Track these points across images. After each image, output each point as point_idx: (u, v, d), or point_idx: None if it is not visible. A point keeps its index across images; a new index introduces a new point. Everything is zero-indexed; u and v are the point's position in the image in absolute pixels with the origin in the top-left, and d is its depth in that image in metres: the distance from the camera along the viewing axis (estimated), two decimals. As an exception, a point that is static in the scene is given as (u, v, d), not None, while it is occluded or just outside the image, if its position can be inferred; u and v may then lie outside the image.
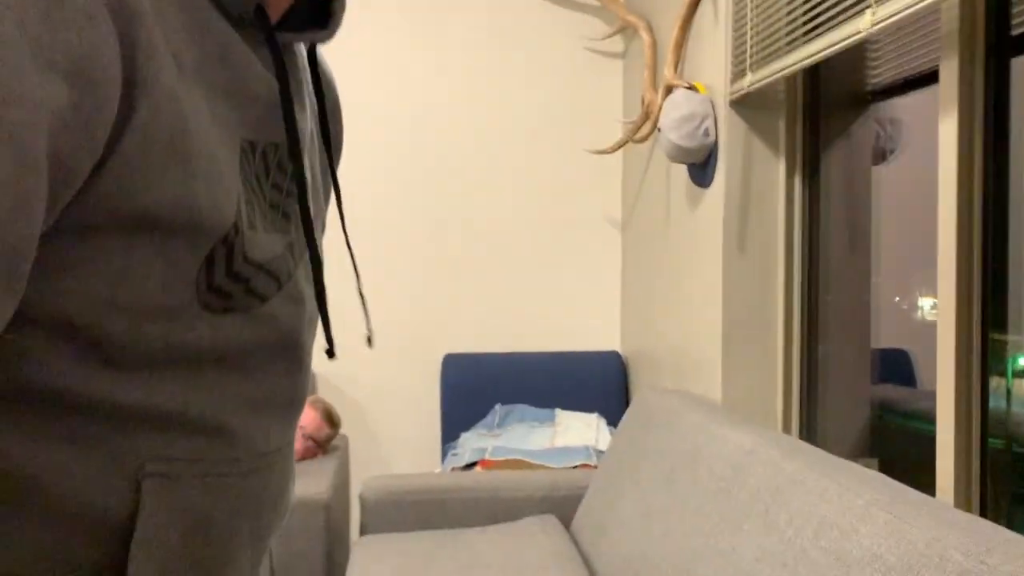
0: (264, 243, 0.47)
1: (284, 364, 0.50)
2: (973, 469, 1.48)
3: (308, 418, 2.54)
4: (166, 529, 0.43)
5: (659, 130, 2.19)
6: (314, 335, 0.55)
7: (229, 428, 0.46)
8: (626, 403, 2.98)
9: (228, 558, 0.48)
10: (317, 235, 0.55)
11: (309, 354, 0.54)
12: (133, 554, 0.42)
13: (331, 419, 2.60)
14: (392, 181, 3.03)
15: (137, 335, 0.41)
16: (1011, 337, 1.53)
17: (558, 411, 2.86)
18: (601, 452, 2.58)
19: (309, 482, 2.25)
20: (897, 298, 2.07)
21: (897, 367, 2.21)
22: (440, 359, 3.00)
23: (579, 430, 2.74)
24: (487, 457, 2.57)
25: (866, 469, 1.33)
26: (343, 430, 2.85)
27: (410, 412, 3.06)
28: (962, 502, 1.48)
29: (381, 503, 2.26)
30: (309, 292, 0.53)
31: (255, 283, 0.46)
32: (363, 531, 2.27)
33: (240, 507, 0.48)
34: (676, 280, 2.48)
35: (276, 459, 0.51)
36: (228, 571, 0.48)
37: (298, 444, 2.50)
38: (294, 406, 0.52)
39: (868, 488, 1.17)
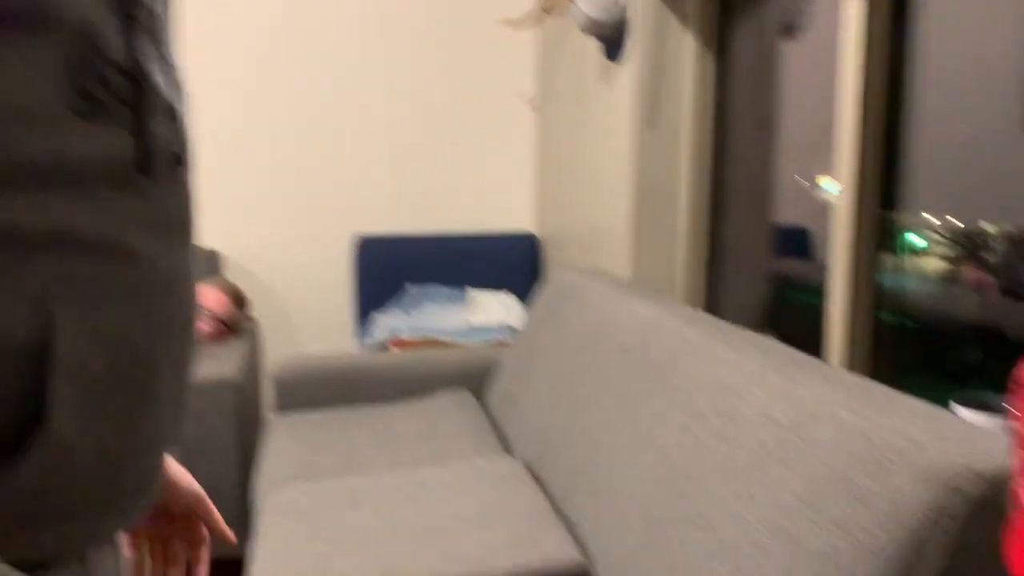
0: (125, 47, 0.45)
1: (173, 185, 0.49)
2: (862, 340, 1.57)
3: (214, 299, 2.50)
4: (87, 354, 0.43)
5: (572, 1, 2.14)
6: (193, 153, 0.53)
7: (130, 249, 0.45)
8: (539, 282, 3.02)
9: (152, 388, 0.47)
10: (170, 45, 0.52)
11: (193, 174, 0.53)
12: (52, 383, 0.41)
13: (238, 300, 2.56)
14: (302, 57, 2.90)
15: (8, 144, 0.39)
16: (903, 216, 1.60)
17: (471, 290, 2.88)
18: (514, 330, 2.63)
19: (218, 364, 2.23)
20: (798, 176, 2.12)
21: (796, 243, 2.29)
22: (351, 240, 2.96)
23: (493, 309, 2.77)
24: (401, 336, 2.59)
25: (761, 336, 1.39)
26: (253, 313, 2.81)
27: (321, 294, 3.03)
28: (852, 369, 1.57)
29: (294, 383, 2.26)
30: (181, 108, 0.51)
31: (123, 89, 0.44)
32: (277, 410, 2.28)
33: (156, 331, 0.47)
34: (588, 158, 2.48)
35: (180, 285, 0.50)
36: (152, 407, 0.47)
37: (206, 327, 2.46)
38: (186, 229, 0.51)
39: (762, 353, 1.23)
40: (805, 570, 0.90)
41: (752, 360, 1.21)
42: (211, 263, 2.84)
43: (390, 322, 2.69)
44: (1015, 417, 0.29)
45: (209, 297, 2.50)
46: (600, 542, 1.37)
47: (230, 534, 0.78)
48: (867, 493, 0.87)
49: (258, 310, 2.91)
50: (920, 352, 1.64)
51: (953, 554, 0.80)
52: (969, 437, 0.85)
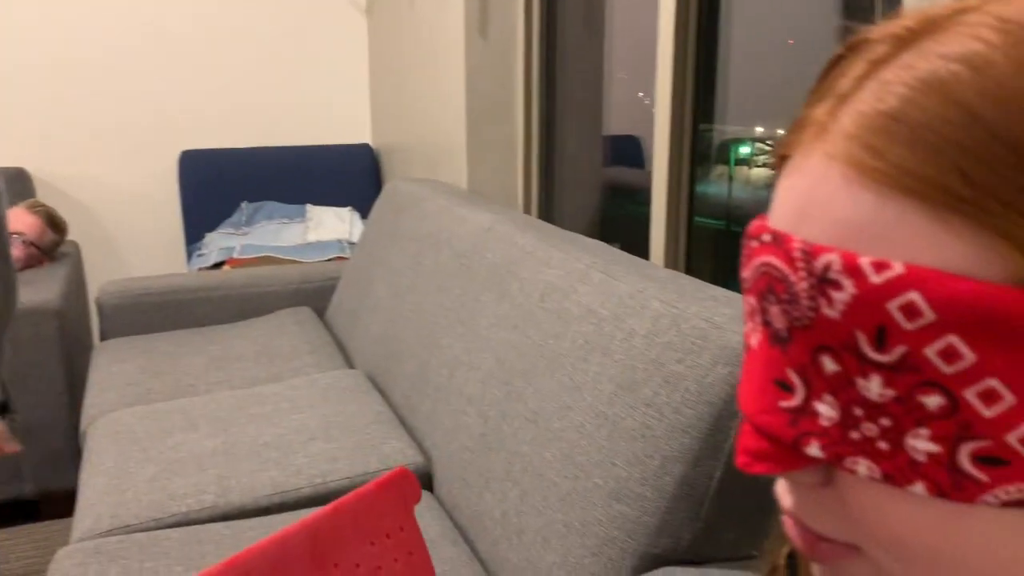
0: None
1: None
2: (681, 243, 1.65)
3: (27, 223, 2.31)
4: None
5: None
6: None
7: None
8: (378, 195, 2.98)
9: None
10: None
11: None
12: None
13: (55, 224, 2.38)
14: (101, -47, 2.65)
15: None
16: (717, 127, 1.68)
17: (309, 206, 2.81)
18: (354, 245, 2.60)
19: (37, 290, 2.08)
20: (641, 94, 2.18)
21: (628, 151, 2.37)
22: (176, 156, 2.80)
23: (331, 224, 2.72)
24: (235, 256, 2.50)
25: (588, 238, 1.44)
26: (72, 236, 2.62)
27: (147, 214, 2.87)
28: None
29: (120, 307, 2.15)
30: None
31: None
32: (103, 337, 2.17)
33: None
34: (422, 67, 2.44)
35: None
36: None
37: (19, 251, 2.29)
38: None
39: (588, 254, 1.28)
40: (623, 450, 0.96)
41: (579, 261, 1.26)
42: (20, 184, 2.62)
43: (223, 241, 2.59)
44: (743, 267, 0.31)
45: (20, 221, 2.31)
46: (440, 444, 1.41)
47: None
48: (676, 376, 0.94)
49: (79, 233, 2.71)
50: (739, 253, 1.75)
51: (748, 424, 0.87)
52: (765, 319, 0.93)
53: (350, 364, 1.96)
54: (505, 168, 2.21)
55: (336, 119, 3.01)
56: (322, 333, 2.11)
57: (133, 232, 2.87)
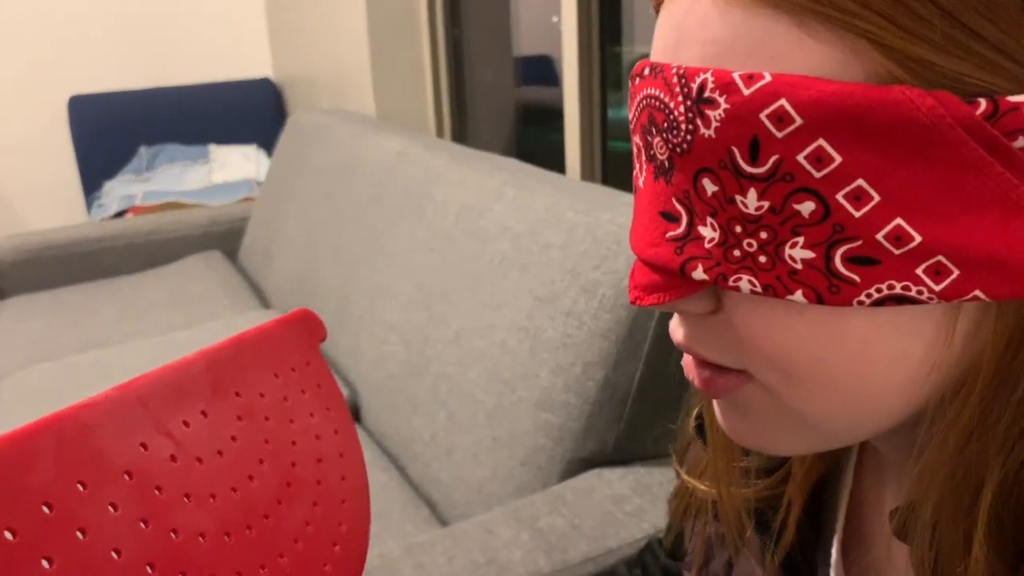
0: None
1: None
2: (596, 168, 1.64)
3: (-95, 182, 2.17)
4: None
5: None
6: None
7: None
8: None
9: None
10: None
11: None
12: None
13: (-63, 180, 2.24)
14: None
15: None
16: (625, 49, 1.66)
17: (212, 147, 2.70)
18: (261, 183, 2.51)
19: (-78, 253, 1.97)
20: (555, 19, 2.13)
21: (541, 71, 2.33)
22: (65, 102, 2.65)
23: (237, 164, 2.63)
24: (138, 203, 2.40)
25: (502, 157, 1.42)
26: (-42, 193, 2.48)
27: (39, 165, 2.72)
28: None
29: (19, 263, 2.05)
30: None
31: None
32: (3, 296, 2.06)
33: None
34: (319, -6, 2.34)
35: None
36: None
37: (-100, 213, 2.14)
38: None
39: (502, 171, 1.26)
40: (546, 360, 0.97)
41: (492, 178, 1.24)
42: None
43: (124, 189, 2.48)
44: (629, 107, 0.31)
45: None
46: (366, 374, 1.40)
47: None
48: (593, 283, 0.94)
49: (-36, 191, 2.56)
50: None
51: (666, 323, 0.88)
52: (677, 220, 0.93)
53: (267, 305, 1.91)
54: (414, 93, 2.15)
55: (233, 53, 2.88)
56: (235, 276, 2.05)
57: (26, 184, 2.72)
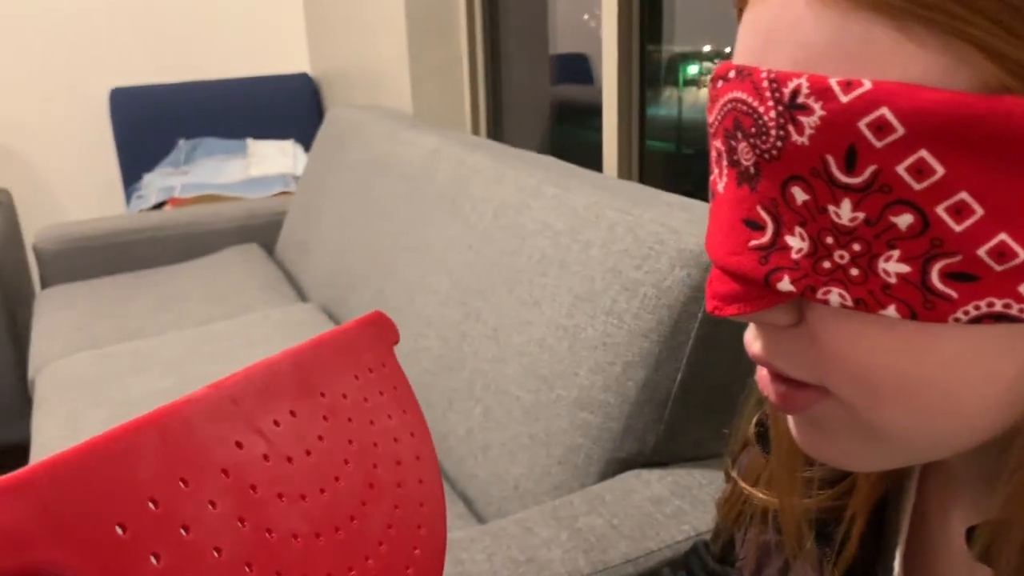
0: None
1: None
2: (634, 167, 1.63)
3: (-48, 172, 2.21)
4: None
5: None
6: None
7: None
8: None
9: None
10: None
11: None
12: None
13: (-18, 170, 2.28)
14: None
15: None
16: (666, 47, 1.65)
17: (250, 141, 2.72)
18: (299, 178, 2.53)
19: (-33, 241, 2.00)
20: (586, 17, 2.12)
21: (577, 69, 2.32)
22: (107, 94, 2.68)
23: (274, 158, 2.64)
24: (176, 195, 2.43)
25: (539, 155, 1.42)
26: (2, 183, 2.51)
27: (81, 157, 2.76)
28: (624, 179, 1.64)
29: (60, 253, 2.08)
30: None
31: None
32: (44, 285, 2.10)
33: None
34: (358, -11, 2.35)
35: None
36: None
37: (-55, 202, 2.19)
38: None
39: (540, 169, 1.26)
40: (585, 359, 0.96)
41: (531, 176, 1.24)
42: (-61, 131, 2.49)
43: (163, 181, 2.51)
44: (709, 111, 0.30)
45: (-58, 169, 2.20)
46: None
47: None
48: (634, 282, 0.93)
49: (10, 180, 2.60)
50: (696, 175, 1.75)
51: (707, 324, 0.88)
52: (720, 220, 0.92)
53: (303, 298, 1.93)
54: (450, 91, 2.16)
55: (272, 49, 2.90)
56: (272, 269, 2.07)
57: (67, 176, 2.76)
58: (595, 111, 1.65)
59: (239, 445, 0.33)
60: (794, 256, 0.27)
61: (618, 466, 0.93)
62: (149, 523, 0.29)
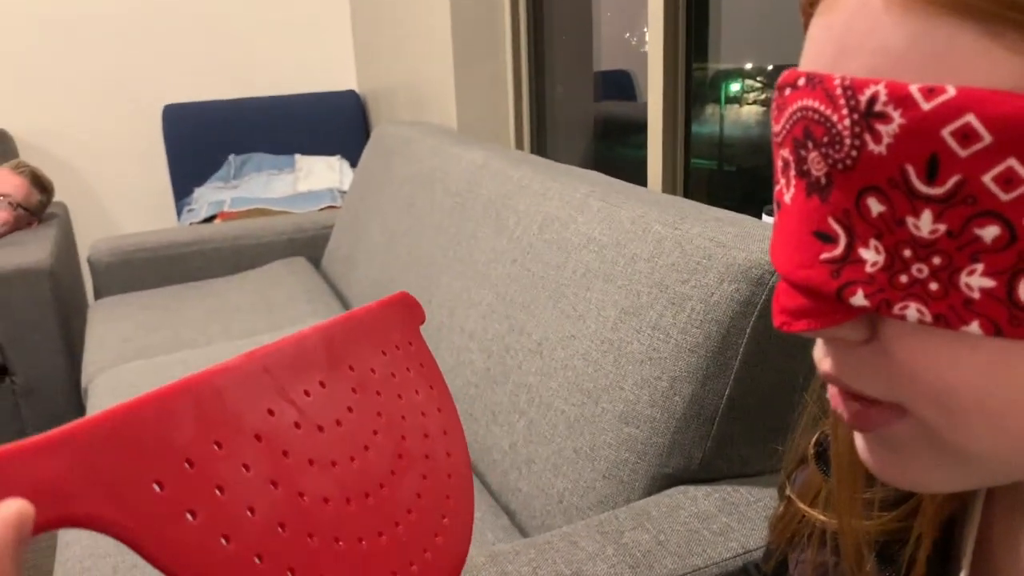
0: None
1: None
2: (678, 184, 1.63)
3: (13, 185, 2.28)
4: None
5: None
6: None
7: None
8: (367, 142, 2.94)
9: None
10: None
11: None
12: None
13: (41, 184, 2.35)
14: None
15: None
16: (713, 66, 1.64)
17: (298, 156, 2.77)
18: (345, 193, 2.57)
19: (28, 252, 2.06)
20: (627, 35, 2.13)
21: (620, 85, 2.33)
22: (160, 111, 2.75)
23: (321, 173, 2.69)
24: (226, 209, 2.48)
25: (585, 170, 1.42)
26: (59, 196, 2.59)
27: (134, 171, 2.83)
28: (669, 195, 1.63)
29: (113, 264, 2.13)
30: None
31: None
32: (97, 296, 2.15)
33: None
34: (406, 9, 2.38)
35: None
36: None
37: (6, 215, 2.26)
38: None
39: (585, 183, 1.26)
40: (631, 373, 0.96)
41: (576, 191, 1.24)
42: (2, 144, 2.57)
43: (213, 195, 2.56)
44: (775, 120, 0.30)
45: (5, 183, 2.28)
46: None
47: None
48: (681, 296, 0.93)
49: (66, 193, 2.68)
50: (738, 193, 1.74)
51: (756, 339, 0.87)
52: (768, 235, 0.92)
53: (348, 310, 1.95)
54: (495, 107, 2.17)
55: (320, 66, 2.95)
56: (318, 282, 2.09)
57: (120, 190, 2.84)
58: (638, 128, 1.65)
59: (271, 412, 0.35)
60: (868, 270, 0.26)
61: (664, 482, 0.92)
62: (185, 482, 0.30)
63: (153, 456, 0.30)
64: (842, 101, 0.25)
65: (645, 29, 1.58)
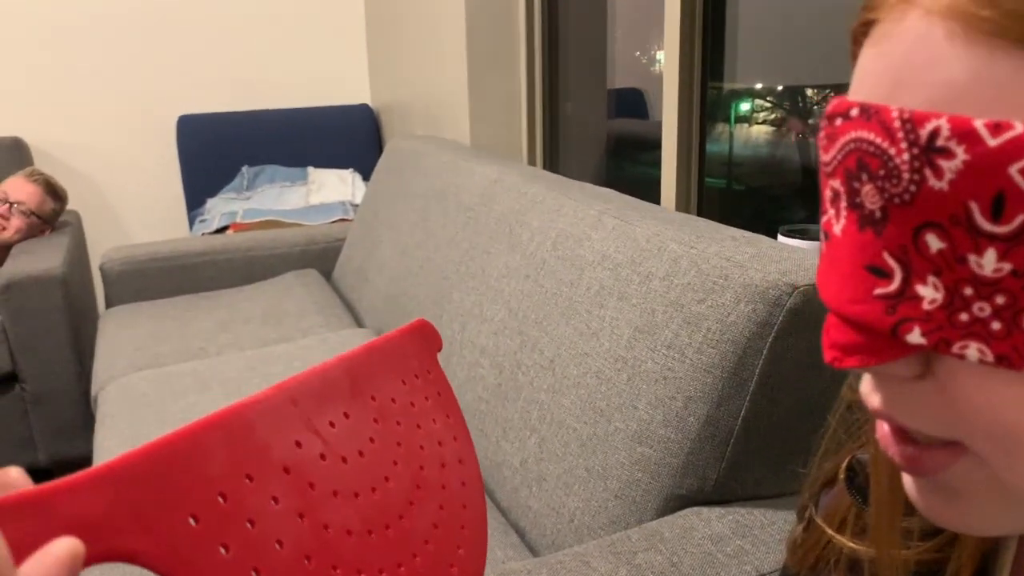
0: None
1: None
2: (691, 202, 1.63)
3: (27, 192, 2.29)
4: None
5: None
6: None
7: None
8: (380, 156, 2.95)
9: None
10: None
11: None
12: None
13: (55, 192, 2.36)
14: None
15: None
16: (727, 85, 1.65)
17: (311, 169, 2.78)
18: (357, 206, 2.57)
19: (40, 259, 2.07)
20: (637, 53, 2.14)
21: (632, 104, 2.33)
22: (174, 122, 2.77)
23: (334, 186, 2.69)
24: (239, 220, 2.48)
25: (599, 187, 1.42)
26: (72, 205, 2.60)
27: (147, 181, 2.84)
28: (682, 213, 1.63)
29: (125, 273, 2.14)
30: None
31: None
32: (109, 304, 2.16)
33: None
34: (421, 25, 2.40)
35: None
36: None
37: (20, 222, 2.27)
38: None
39: (599, 201, 1.26)
40: (645, 393, 0.95)
41: (590, 208, 1.24)
42: (17, 153, 2.59)
43: (225, 206, 2.57)
44: (824, 150, 0.29)
45: (19, 190, 2.29)
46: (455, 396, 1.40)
47: None
48: (697, 316, 0.92)
49: (79, 201, 2.69)
50: (748, 212, 1.73)
51: (773, 360, 0.86)
52: (785, 256, 0.91)
53: (359, 323, 1.95)
54: (508, 123, 2.18)
55: (334, 80, 2.97)
56: (329, 294, 2.10)
57: (133, 199, 2.85)
58: (650, 146, 1.65)
59: (298, 444, 0.35)
60: (926, 307, 0.26)
61: (677, 503, 0.91)
62: (219, 516, 0.30)
63: (188, 490, 0.30)
64: (900, 135, 0.25)
65: (656, 48, 1.58)
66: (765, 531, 0.85)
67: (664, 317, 0.97)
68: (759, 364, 0.86)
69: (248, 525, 0.31)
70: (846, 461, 0.41)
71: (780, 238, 1.19)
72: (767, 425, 0.89)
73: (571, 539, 0.99)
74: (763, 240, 0.99)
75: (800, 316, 0.85)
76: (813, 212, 1.48)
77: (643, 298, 1.01)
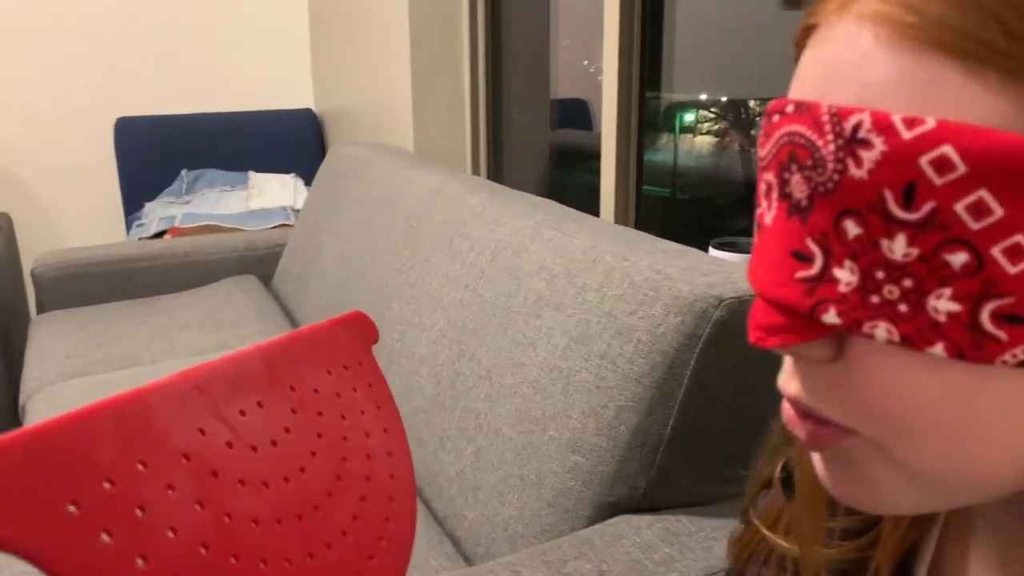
0: None
1: None
2: (630, 212, 1.65)
3: (-46, 195, 2.22)
4: None
5: None
6: None
7: None
8: (322, 161, 2.93)
9: None
10: None
11: None
12: None
13: (-16, 194, 2.29)
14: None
15: None
16: (664, 95, 1.68)
17: (251, 173, 2.75)
18: (298, 211, 2.55)
19: (-34, 264, 2.01)
20: (585, 63, 2.16)
21: (576, 114, 2.36)
22: (112, 124, 2.71)
23: (275, 191, 2.67)
24: (177, 225, 2.44)
25: (538, 197, 1.44)
26: (3, 207, 2.53)
27: (83, 184, 2.78)
28: (621, 224, 1.66)
29: (58, 279, 2.09)
30: None
31: None
32: (40, 310, 2.10)
33: None
34: (365, 30, 2.39)
35: None
36: None
37: (-54, 225, 2.20)
38: None
39: (538, 212, 1.28)
40: (578, 402, 0.97)
41: (529, 219, 1.25)
42: (-56, 154, 2.51)
43: (164, 210, 2.53)
44: (761, 145, 0.31)
45: (-55, 192, 2.22)
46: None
47: None
48: (628, 327, 0.94)
49: (10, 204, 2.62)
50: (691, 221, 1.77)
51: (700, 372, 0.88)
52: (714, 269, 0.94)
53: (299, 331, 1.93)
54: (452, 130, 2.19)
55: (277, 84, 2.94)
56: (268, 301, 2.07)
57: (68, 202, 2.78)
58: (593, 155, 1.67)
59: (202, 432, 0.34)
60: (842, 289, 0.27)
61: (608, 510, 0.93)
62: (102, 501, 0.30)
63: (70, 476, 0.29)
64: (828, 127, 0.27)
65: (601, 59, 1.61)
66: (693, 538, 0.87)
67: (598, 328, 0.98)
68: (687, 374, 0.89)
69: (138, 511, 0.31)
70: (781, 461, 0.43)
71: (711, 251, 1.22)
72: (696, 434, 0.91)
73: (505, 548, 1.00)
74: (692, 253, 1.01)
75: (727, 328, 0.88)
76: (752, 222, 1.51)
77: (578, 309, 1.03)
